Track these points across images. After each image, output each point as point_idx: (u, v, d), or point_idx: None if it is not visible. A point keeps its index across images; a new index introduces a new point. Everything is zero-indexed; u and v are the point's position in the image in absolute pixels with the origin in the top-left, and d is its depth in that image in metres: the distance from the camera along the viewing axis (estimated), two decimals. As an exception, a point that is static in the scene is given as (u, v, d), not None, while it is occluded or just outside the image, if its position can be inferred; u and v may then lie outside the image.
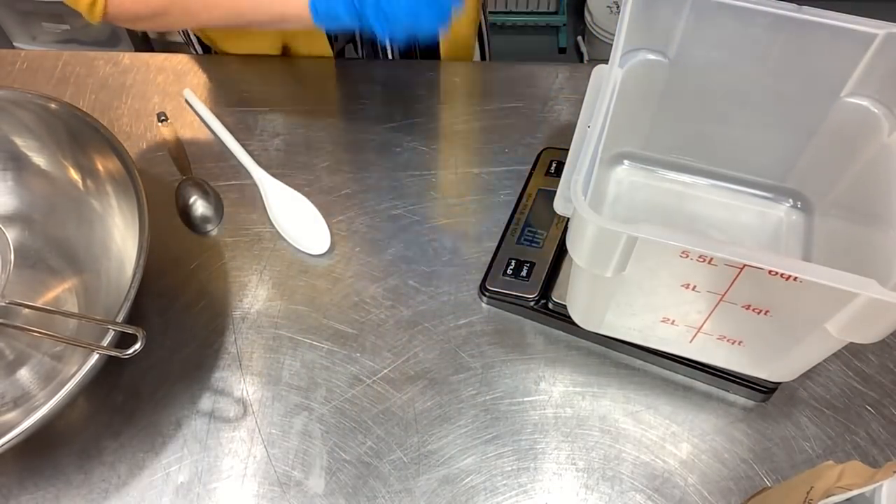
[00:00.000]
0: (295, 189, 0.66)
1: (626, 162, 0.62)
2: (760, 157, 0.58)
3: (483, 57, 0.88)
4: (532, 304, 0.57)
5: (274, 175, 0.66)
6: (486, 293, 0.58)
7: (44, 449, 0.54)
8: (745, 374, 0.53)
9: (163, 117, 0.68)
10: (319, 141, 0.70)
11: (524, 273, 0.58)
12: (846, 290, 0.38)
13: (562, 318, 0.56)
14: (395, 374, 0.57)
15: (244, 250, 0.63)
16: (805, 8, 0.47)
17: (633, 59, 0.52)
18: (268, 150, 0.69)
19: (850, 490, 0.37)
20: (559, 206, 0.43)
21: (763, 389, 0.54)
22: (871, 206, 0.49)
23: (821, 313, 0.41)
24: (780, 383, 0.54)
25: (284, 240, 0.64)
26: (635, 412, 0.55)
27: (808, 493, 0.40)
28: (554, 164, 0.64)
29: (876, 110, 0.50)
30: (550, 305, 0.57)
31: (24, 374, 0.57)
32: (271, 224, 0.64)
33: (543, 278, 0.57)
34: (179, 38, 1.73)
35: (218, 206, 0.65)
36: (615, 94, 0.46)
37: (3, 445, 0.45)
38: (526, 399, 0.56)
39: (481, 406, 0.56)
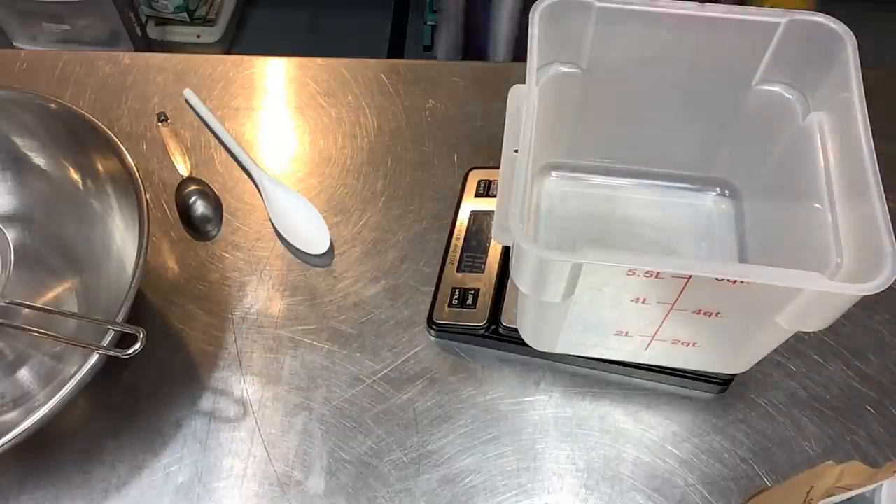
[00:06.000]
0: (295, 189, 0.66)
1: (553, 173, 0.62)
2: (683, 152, 0.59)
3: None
4: (482, 332, 0.57)
5: (274, 175, 0.67)
6: (434, 327, 0.58)
7: (44, 449, 0.54)
8: (700, 371, 0.54)
9: (163, 117, 0.68)
10: (319, 141, 0.70)
11: (469, 301, 0.57)
12: (793, 287, 0.39)
13: (514, 341, 0.55)
14: (395, 374, 0.57)
15: (244, 250, 0.63)
16: (707, 5, 0.48)
17: (547, 74, 0.52)
18: (268, 150, 0.69)
19: (850, 490, 0.37)
20: (497, 236, 0.43)
21: (719, 382, 0.55)
22: (795, 186, 0.50)
23: (770, 309, 0.42)
24: (734, 375, 0.55)
25: (284, 240, 0.64)
26: (635, 412, 0.55)
27: (808, 493, 0.40)
28: (482, 185, 0.64)
29: (789, 95, 0.51)
30: (501, 330, 0.56)
31: (24, 374, 0.57)
32: (271, 224, 0.64)
33: (490, 304, 0.57)
34: (180, 38, 1.74)
35: (218, 206, 0.65)
36: (535, 114, 0.46)
37: (3, 445, 0.44)
38: (526, 399, 0.56)
39: (481, 406, 0.56)
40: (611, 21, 0.49)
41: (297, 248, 0.63)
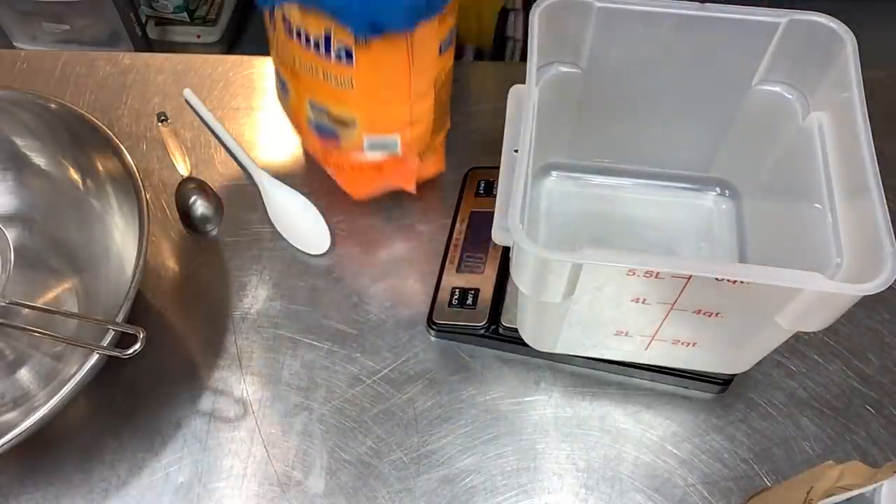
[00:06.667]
0: (295, 189, 0.66)
1: (553, 173, 0.62)
2: (683, 151, 0.59)
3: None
4: (482, 332, 0.57)
5: (274, 175, 0.66)
6: (434, 327, 0.58)
7: (44, 449, 0.54)
8: (700, 371, 0.54)
9: (163, 117, 0.68)
10: (319, 141, 0.70)
11: (469, 301, 0.57)
12: (793, 287, 0.39)
13: (514, 341, 0.55)
14: (395, 374, 0.57)
15: (244, 250, 0.63)
16: (707, 5, 0.48)
17: (547, 74, 0.52)
18: (268, 150, 0.69)
19: (850, 490, 0.37)
20: (497, 236, 0.43)
21: (719, 382, 0.55)
22: (795, 187, 0.50)
23: (770, 309, 0.42)
24: (734, 375, 0.55)
25: (284, 240, 0.64)
26: (635, 412, 0.55)
27: (808, 493, 0.40)
28: (482, 185, 0.64)
29: (789, 95, 0.51)
30: (501, 330, 0.56)
31: (24, 374, 0.57)
32: (271, 224, 0.64)
33: (490, 304, 0.57)
34: (180, 38, 1.74)
35: (218, 206, 0.65)
36: (535, 114, 0.46)
37: (3, 445, 0.44)
38: (526, 399, 0.56)
39: (481, 406, 0.56)
40: (611, 21, 0.49)
41: (297, 248, 0.63)
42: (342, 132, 0.57)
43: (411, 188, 0.61)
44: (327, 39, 0.50)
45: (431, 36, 0.51)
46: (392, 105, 0.54)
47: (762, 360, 0.51)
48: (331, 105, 0.55)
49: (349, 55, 0.50)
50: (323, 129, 0.57)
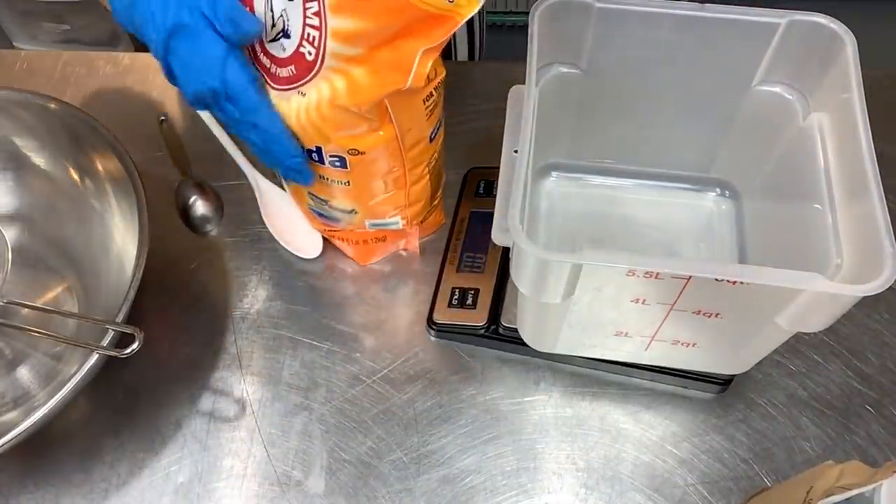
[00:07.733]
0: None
1: (553, 174, 0.62)
2: (683, 152, 0.59)
3: (472, 56, 0.87)
4: (482, 332, 0.57)
5: (270, 177, 0.66)
6: (434, 327, 0.58)
7: (44, 449, 0.54)
8: (700, 371, 0.54)
9: (163, 117, 0.68)
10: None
11: (469, 301, 0.57)
12: (793, 287, 0.39)
13: (514, 341, 0.55)
14: (395, 374, 0.57)
15: (244, 250, 0.63)
16: (707, 6, 0.48)
17: (548, 75, 0.52)
18: (268, 150, 0.69)
19: (850, 490, 0.37)
20: (497, 237, 0.43)
21: (719, 382, 0.55)
22: (795, 187, 0.50)
23: (770, 310, 0.42)
24: (734, 375, 0.55)
25: (283, 240, 0.64)
26: (635, 412, 0.55)
27: (808, 493, 0.40)
28: (482, 185, 0.64)
29: (790, 96, 0.51)
30: (501, 330, 0.56)
31: (24, 374, 0.57)
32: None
33: (490, 304, 0.57)
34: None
35: (218, 206, 0.65)
36: (535, 114, 0.46)
37: (3, 445, 0.45)
38: (526, 399, 0.56)
39: (481, 406, 0.56)
40: (611, 21, 0.49)
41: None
42: (344, 217, 0.58)
43: (415, 249, 0.62)
44: (319, 150, 0.51)
45: (423, 131, 0.52)
46: (389, 194, 0.56)
47: (762, 360, 0.51)
48: (330, 198, 0.56)
49: (343, 163, 0.51)
50: (324, 215, 0.59)
